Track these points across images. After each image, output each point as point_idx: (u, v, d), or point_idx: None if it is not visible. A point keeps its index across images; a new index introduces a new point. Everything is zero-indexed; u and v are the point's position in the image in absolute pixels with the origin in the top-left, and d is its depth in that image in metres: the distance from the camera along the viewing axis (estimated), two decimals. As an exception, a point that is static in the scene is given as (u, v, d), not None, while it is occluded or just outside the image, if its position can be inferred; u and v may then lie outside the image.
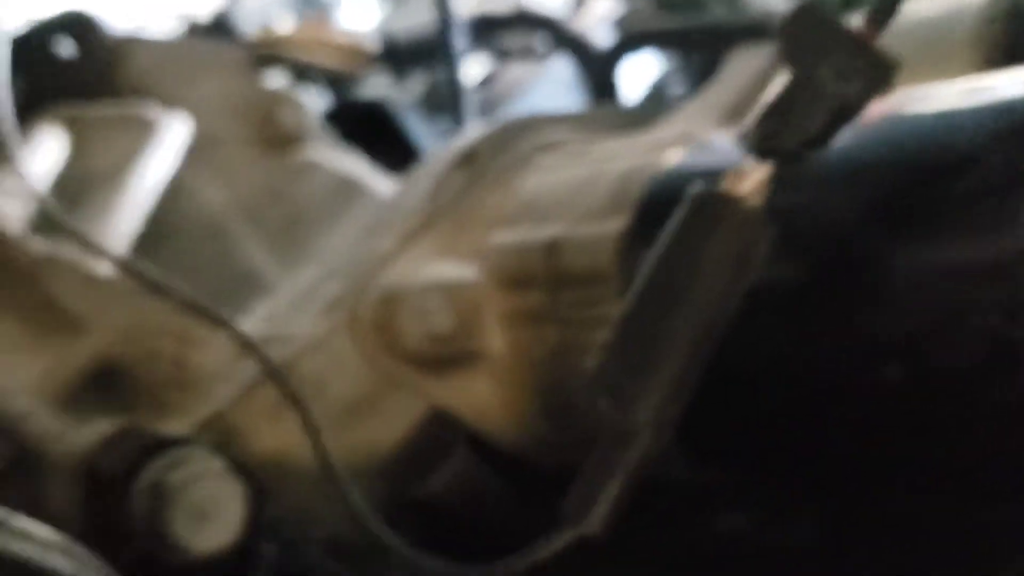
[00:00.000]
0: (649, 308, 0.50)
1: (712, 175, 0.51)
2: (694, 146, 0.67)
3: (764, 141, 0.49)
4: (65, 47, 1.00)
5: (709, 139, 0.68)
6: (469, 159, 0.80)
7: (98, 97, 0.97)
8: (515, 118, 0.84)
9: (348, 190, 1.09)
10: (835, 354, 0.53)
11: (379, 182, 1.12)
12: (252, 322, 0.78)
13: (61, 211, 0.74)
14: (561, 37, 1.49)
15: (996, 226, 0.46)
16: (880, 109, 0.54)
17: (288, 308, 0.78)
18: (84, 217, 0.80)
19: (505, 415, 0.72)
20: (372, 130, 1.50)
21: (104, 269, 0.73)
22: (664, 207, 0.64)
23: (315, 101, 1.09)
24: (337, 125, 1.44)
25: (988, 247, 0.47)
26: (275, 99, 1.07)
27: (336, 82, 1.46)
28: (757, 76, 0.80)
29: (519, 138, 0.82)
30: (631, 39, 1.20)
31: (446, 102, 1.49)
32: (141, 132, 0.91)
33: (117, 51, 1.01)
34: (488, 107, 1.60)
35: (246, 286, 1.00)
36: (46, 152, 0.85)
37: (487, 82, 1.60)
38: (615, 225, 0.65)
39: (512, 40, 1.56)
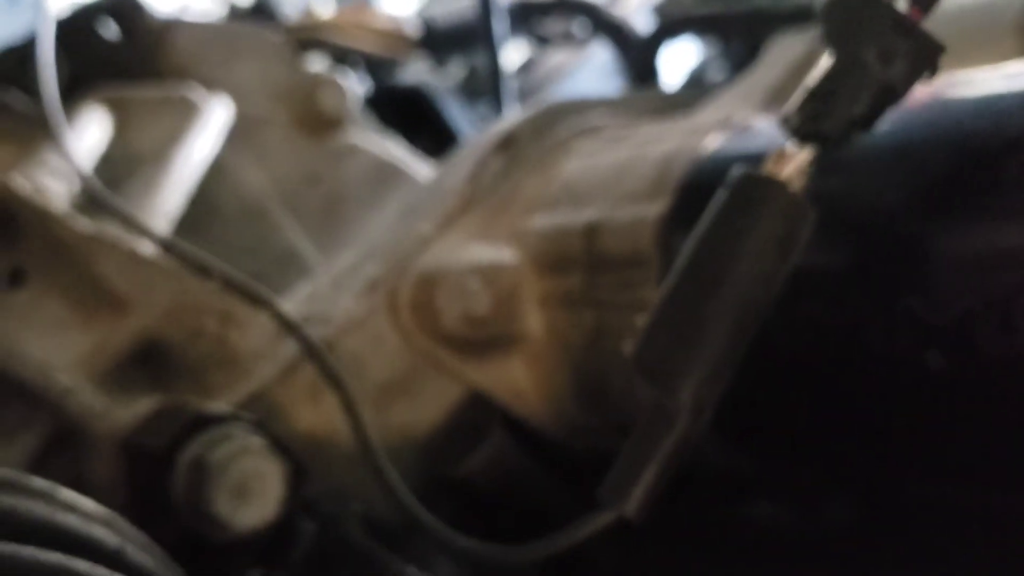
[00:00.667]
0: (691, 289, 0.50)
1: (754, 159, 0.51)
2: (736, 130, 0.67)
3: (807, 124, 0.49)
4: (109, 29, 1.01)
5: (751, 123, 0.68)
6: (508, 143, 0.80)
7: (141, 79, 0.98)
8: (554, 102, 0.84)
9: (387, 174, 1.10)
10: (878, 339, 0.53)
11: (418, 166, 1.13)
12: (293, 302, 0.78)
13: (106, 191, 0.74)
14: (601, 23, 1.49)
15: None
16: (924, 93, 0.54)
17: (328, 288, 0.78)
18: (128, 197, 0.80)
19: (541, 398, 0.73)
20: (412, 115, 1.51)
21: (148, 249, 0.73)
22: (705, 191, 0.63)
23: (356, 85, 1.09)
24: (377, 110, 1.45)
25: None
26: (316, 82, 1.07)
27: (376, 67, 1.47)
28: (798, 61, 0.80)
29: (558, 122, 0.82)
30: (671, 25, 1.20)
31: (486, 88, 1.49)
32: (184, 114, 0.92)
33: (160, 34, 1.02)
34: (528, 93, 1.60)
35: (286, 267, 1.00)
36: (91, 133, 0.85)
37: (527, 68, 1.60)
38: (655, 208, 0.65)
39: (552, 26, 1.55)
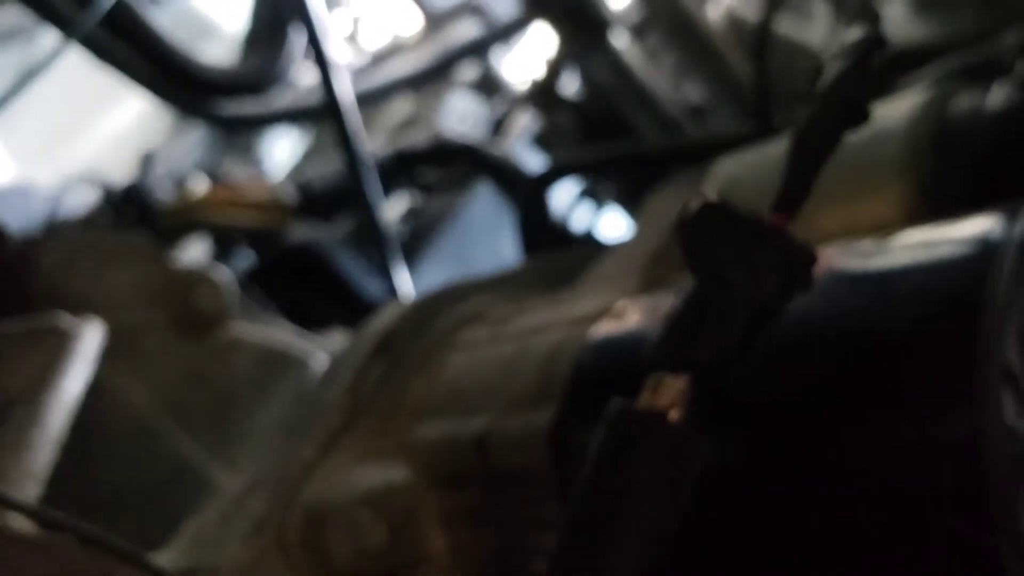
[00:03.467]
0: (588, 529, 0.47)
1: (635, 370, 0.48)
2: (616, 323, 0.65)
3: (678, 354, 0.46)
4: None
5: (630, 314, 0.65)
6: (386, 345, 0.77)
7: (8, 308, 0.94)
8: (430, 293, 0.81)
9: (275, 363, 1.06)
10: (786, 549, 0.50)
11: (306, 346, 1.09)
12: (178, 550, 0.73)
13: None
14: (483, 164, 1.47)
15: (949, 405, 0.44)
16: (822, 262, 0.51)
17: (214, 527, 0.74)
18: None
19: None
20: (305, 274, 1.48)
21: (21, 524, 0.68)
22: (591, 396, 0.61)
23: (230, 276, 1.05)
24: (266, 280, 1.42)
25: (943, 427, 0.44)
26: (190, 281, 1.03)
27: (258, 239, 1.44)
28: (672, 220, 0.78)
29: (437, 314, 0.79)
30: (559, 169, 1.17)
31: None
32: (54, 346, 0.87)
33: (23, 257, 0.98)
34: (416, 240, 1.57)
35: (180, 480, 0.96)
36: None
37: (412, 215, 1.58)
38: (543, 417, 0.62)
39: (433, 172, 1.53)
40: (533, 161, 1.59)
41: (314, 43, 1.16)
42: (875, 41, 0.48)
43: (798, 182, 0.46)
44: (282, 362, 1.06)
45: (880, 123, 0.71)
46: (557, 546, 0.47)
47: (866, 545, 0.45)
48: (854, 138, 0.67)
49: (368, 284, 1.49)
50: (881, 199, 0.66)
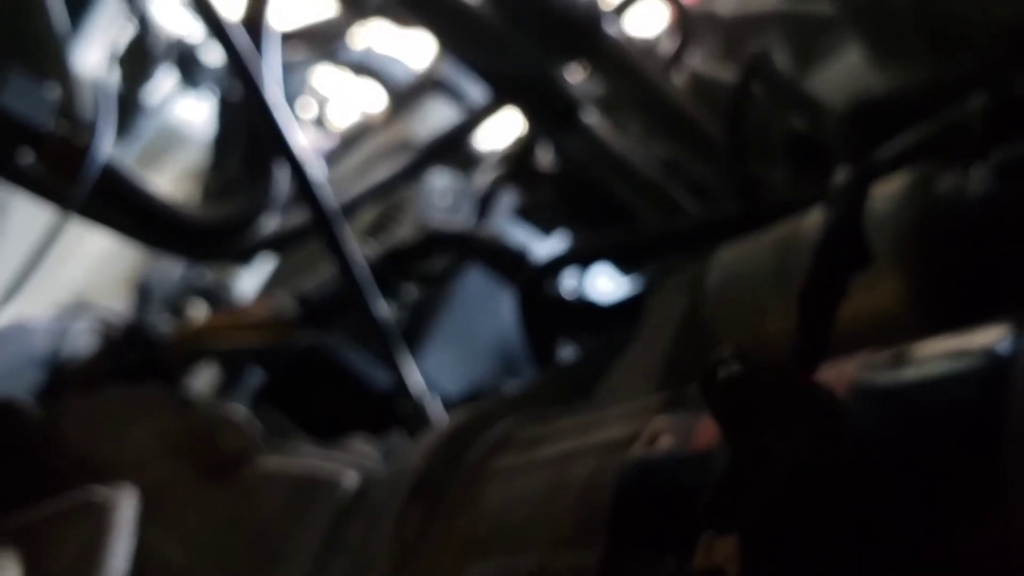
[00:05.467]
0: None
1: (674, 494, 0.50)
2: (647, 450, 0.66)
3: (725, 518, 0.48)
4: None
5: (659, 437, 0.67)
6: (423, 485, 0.78)
7: (38, 486, 0.95)
8: (453, 424, 0.82)
9: (305, 490, 1.07)
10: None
11: (333, 466, 1.11)
12: None
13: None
14: (475, 251, 1.49)
15: (986, 519, 0.46)
16: (842, 378, 0.53)
17: None
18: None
19: None
20: (315, 377, 1.50)
21: None
22: (634, 530, 0.63)
23: (247, 415, 1.07)
24: (280, 389, 1.44)
25: (982, 541, 0.46)
26: (211, 426, 1.05)
27: (265, 356, 1.45)
28: (681, 326, 0.80)
29: (468, 444, 0.81)
30: (560, 259, 1.18)
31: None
32: (93, 522, 0.89)
33: (47, 430, 0.99)
34: (416, 329, 1.59)
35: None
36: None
37: (409, 307, 1.60)
38: (591, 557, 0.64)
39: (427, 265, 1.55)
40: (521, 236, 1.61)
41: (294, 166, 1.18)
42: (864, 181, 0.50)
43: (813, 336, 0.48)
44: (312, 487, 1.07)
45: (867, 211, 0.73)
46: None
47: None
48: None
49: (377, 375, 1.51)
50: (877, 289, 0.68)
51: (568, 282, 1.54)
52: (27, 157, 0.99)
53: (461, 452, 0.80)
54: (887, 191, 0.72)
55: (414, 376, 1.32)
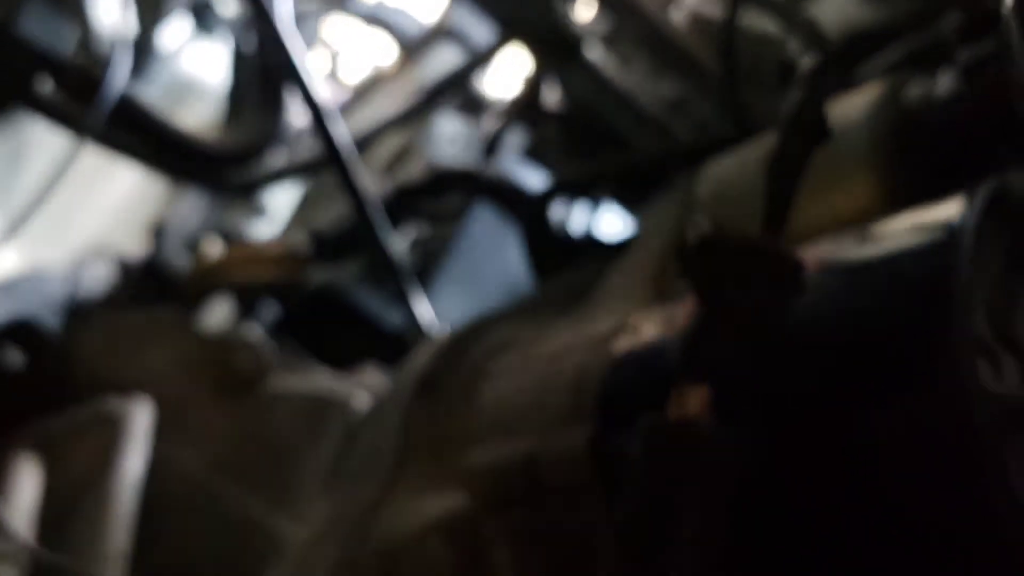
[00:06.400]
0: (642, 535, 0.52)
1: (657, 382, 0.54)
2: (632, 339, 0.70)
3: (696, 366, 0.51)
4: (14, 358, 1.02)
5: (643, 331, 0.71)
6: (426, 386, 0.82)
7: (58, 400, 0.99)
8: (456, 330, 0.86)
9: (318, 409, 1.12)
10: (818, 529, 0.55)
11: (345, 387, 1.15)
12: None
13: (58, 560, 0.75)
14: (483, 188, 1.52)
15: (936, 378, 0.49)
16: (812, 260, 0.57)
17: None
18: (77, 538, 0.82)
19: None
20: (329, 315, 1.54)
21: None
22: (620, 409, 0.67)
23: (262, 333, 1.11)
24: (294, 327, 1.48)
25: (935, 399, 0.50)
26: (226, 346, 1.09)
27: (280, 290, 1.49)
28: (671, 238, 0.84)
29: (468, 347, 0.85)
30: (557, 187, 1.22)
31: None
32: (108, 430, 0.93)
33: (65, 350, 1.04)
34: (426, 268, 1.63)
35: (249, 539, 1.01)
36: (26, 490, 0.86)
37: (419, 245, 1.63)
38: (581, 434, 0.68)
39: (436, 202, 1.58)
40: (528, 176, 1.64)
41: (307, 98, 1.21)
42: (823, 69, 0.54)
43: (778, 203, 0.52)
44: (325, 407, 1.11)
45: (842, 119, 0.77)
46: (616, 550, 0.53)
47: (880, 511, 0.51)
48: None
49: (389, 315, 1.55)
50: (854, 190, 0.72)
51: (577, 220, 1.58)
52: (46, 85, 1.03)
53: (463, 353, 0.84)
54: (862, 99, 0.76)
55: (425, 314, 1.36)
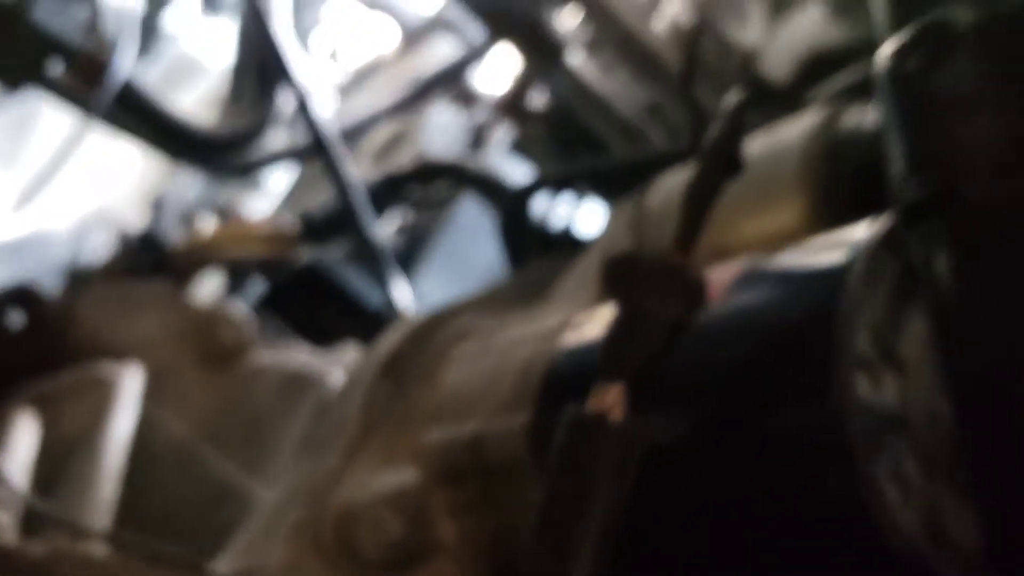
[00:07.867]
0: (558, 511, 0.60)
1: (587, 375, 0.62)
2: (572, 335, 0.78)
3: (614, 366, 0.59)
4: (13, 319, 1.10)
5: (583, 327, 0.78)
6: (391, 366, 0.90)
7: (55, 361, 1.07)
8: (424, 315, 0.94)
9: (295, 384, 1.19)
10: (712, 513, 0.63)
11: (322, 365, 1.22)
12: (231, 558, 0.87)
13: (50, 507, 0.83)
14: (467, 179, 1.60)
15: (821, 387, 0.57)
16: (729, 273, 0.64)
17: (261, 536, 0.87)
18: (69, 495, 0.89)
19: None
20: (313, 292, 1.61)
21: (98, 550, 0.81)
22: (556, 398, 0.75)
23: (246, 309, 1.19)
24: (280, 304, 1.55)
25: (820, 403, 0.57)
26: (212, 320, 1.17)
27: (268, 267, 1.57)
28: (623, 236, 0.92)
29: (432, 334, 0.92)
30: (536, 183, 1.30)
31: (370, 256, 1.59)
32: (101, 392, 1.01)
33: (63, 314, 1.11)
34: (410, 252, 1.70)
35: (223, 501, 1.09)
36: (24, 443, 0.94)
37: (405, 231, 1.71)
38: (522, 418, 0.75)
39: (421, 190, 1.66)
40: (512, 169, 1.72)
41: (292, 85, 1.29)
42: (746, 106, 0.61)
43: (689, 227, 0.59)
44: (302, 382, 1.19)
45: (780, 141, 0.85)
46: (535, 524, 0.60)
47: (766, 503, 0.58)
48: (760, 157, 0.81)
49: (371, 295, 1.62)
50: (783, 210, 0.80)
51: (558, 214, 1.65)
52: (56, 68, 1.10)
53: (429, 338, 0.92)
54: (801, 123, 0.83)
55: (404, 293, 1.44)
